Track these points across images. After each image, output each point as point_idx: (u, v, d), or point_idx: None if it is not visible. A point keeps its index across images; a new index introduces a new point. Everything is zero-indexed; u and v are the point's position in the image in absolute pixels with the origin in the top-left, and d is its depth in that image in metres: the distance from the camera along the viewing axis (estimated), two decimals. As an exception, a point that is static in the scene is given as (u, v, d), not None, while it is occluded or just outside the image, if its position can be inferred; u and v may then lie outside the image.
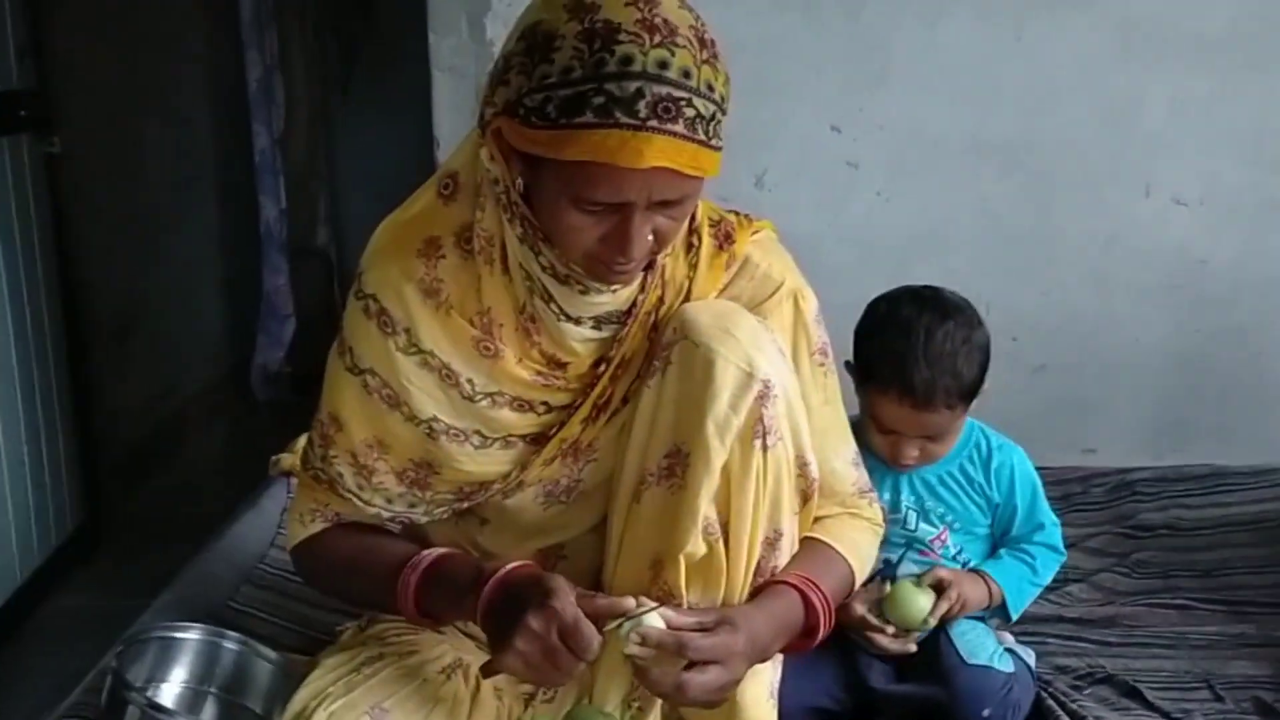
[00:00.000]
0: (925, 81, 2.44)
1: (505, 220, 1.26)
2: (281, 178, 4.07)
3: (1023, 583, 1.75)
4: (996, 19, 2.42)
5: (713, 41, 1.16)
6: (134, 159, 3.50)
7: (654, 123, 1.11)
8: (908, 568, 1.73)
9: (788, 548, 1.37)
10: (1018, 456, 1.79)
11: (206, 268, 4.13)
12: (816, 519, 1.43)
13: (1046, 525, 1.78)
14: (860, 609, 1.66)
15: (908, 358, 1.63)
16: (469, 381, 1.33)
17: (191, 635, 1.49)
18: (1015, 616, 1.75)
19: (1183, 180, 2.48)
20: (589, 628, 1.19)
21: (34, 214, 2.82)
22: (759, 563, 1.35)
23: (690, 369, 1.29)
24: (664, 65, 1.11)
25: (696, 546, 1.30)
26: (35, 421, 2.82)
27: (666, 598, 1.29)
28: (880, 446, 1.71)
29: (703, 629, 1.25)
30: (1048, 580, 1.79)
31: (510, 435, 1.36)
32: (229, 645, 1.49)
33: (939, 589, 1.68)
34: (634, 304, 1.33)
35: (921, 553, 1.75)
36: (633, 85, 1.10)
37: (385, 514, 1.42)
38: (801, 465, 1.36)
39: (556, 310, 1.30)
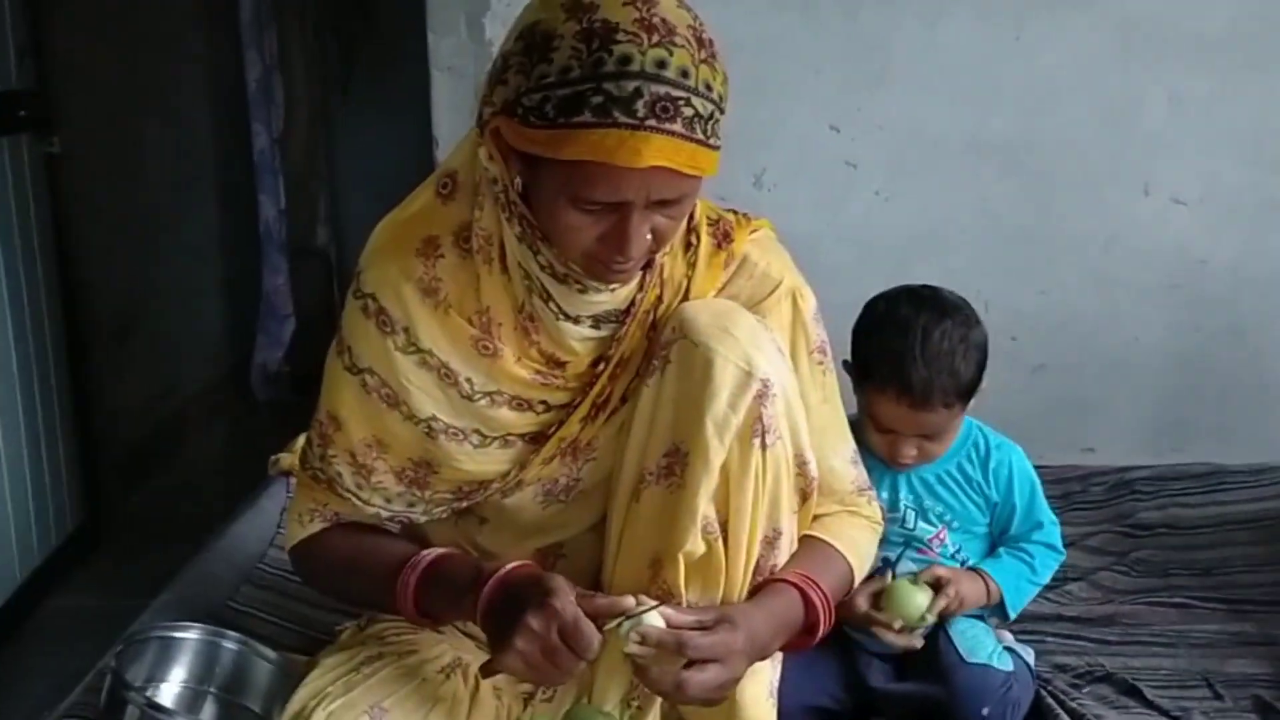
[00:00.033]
0: (924, 81, 2.44)
1: (504, 219, 1.26)
2: (281, 177, 4.07)
3: (1020, 581, 1.75)
4: (996, 19, 2.42)
5: (711, 41, 1.16)
6: (134, 159, 3.50)
7: (652, 122, 1.11)
8: (906, 566, 1.72)
9: (787, 546, 1.38)
10: (1016, 455, 1.79)
11: (206, 268, 4.13)
12: (815, 517, 1.43)
13: (1045, 524, 1.78)
14: (864, 605, 1.66)
15: (905, 357, 1.63)
16: (468, 380, 1.33)
17: (191, 635, 1.49)
18: (1013, 615, 1.75)
19: (1182, 180, 2.48)
20: (589, 627, 1.19)
21: (34, 214, 2.83)
22: (758, 561, 1.35)
23: (689, 368, 1.29)
24: (662, 65, 1.11)
25: (695, 545, 1.30)
26: (35, 421, 2.82)
27: (666, 596, 1.29)
28: (878, 445, 1.71)
29: (702, 628, 1.25)
30: (1046, 579, 1.79)
31: (509, 434, 1.36)
32: (228, 645, 1.49)
33: (936, 586, 1.68)
34: (632, 303, 1.33)
35: (920, 551, 1.75)
36: (631, 85, 1.10)
37: (384, 513, 1.42)
38: (800, 464, 1.36)
39: (555, 309, 1.30)
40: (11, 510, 2.69)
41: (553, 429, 1.36)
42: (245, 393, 4.17)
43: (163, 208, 3.68)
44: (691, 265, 1.36)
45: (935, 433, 1.69)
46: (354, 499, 1.40)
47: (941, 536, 1.76)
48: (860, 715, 1.70)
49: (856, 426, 1.60)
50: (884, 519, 1.56)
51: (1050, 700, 1.70)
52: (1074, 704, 1.69)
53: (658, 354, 1.32)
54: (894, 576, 1.69)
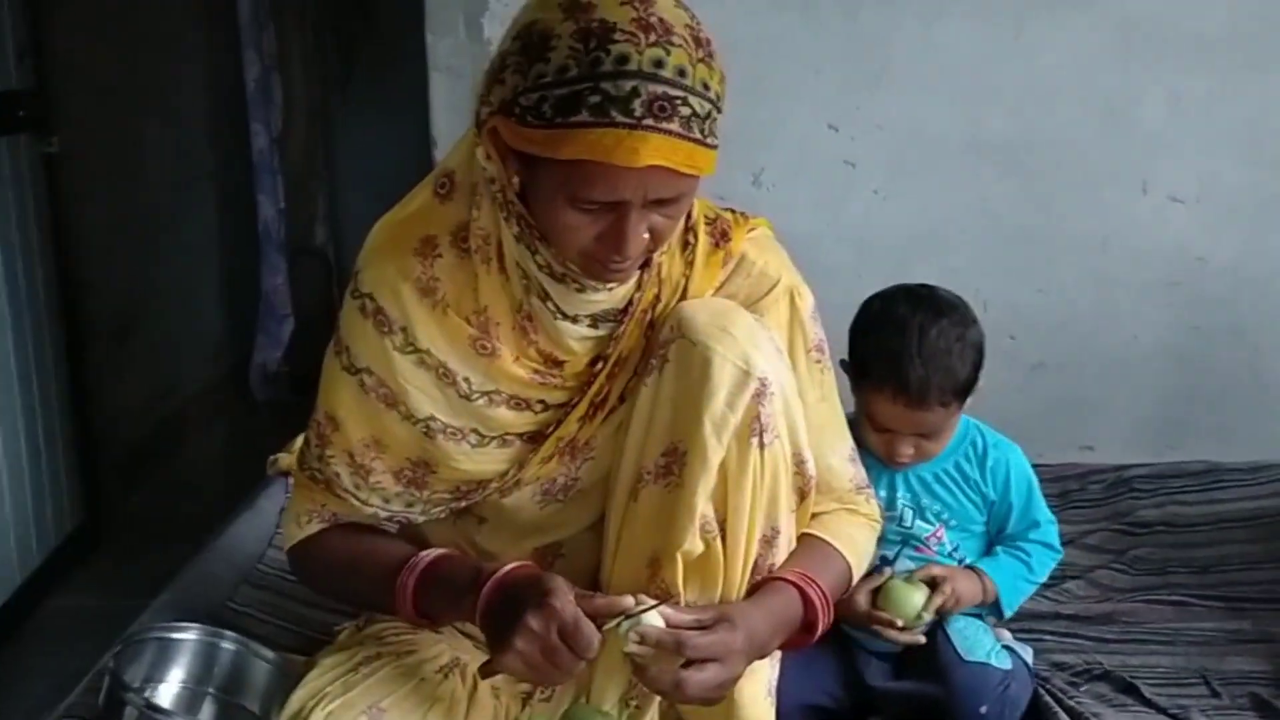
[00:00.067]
0: (923, 81, 2.44)
1: (502, 219, 1.26)
2: (280, 177, 4.06)
3: (1017, 579, 1.75)
4: (995, 18, 2.42)
5: (708, 40, 1.16)
6: (133, 159, 3.50)
7: (649, 121, 1.11)
8: (904, 565, 1.73)
9: (785, 545, 1.38)
10: (1013, 454, 1.79)
11: (205, 268, 4.13)
12: (814, 515, 1.44)
13: (1042, 523, 1.78)
14: (865, 603, 1.66)
15: (902, 356, 1.63)
16: (466, 380, 1.33)
17: (189, 635, 1.49)
18: (1009, 614, 1.75)
19: (1181, 179, 2.48)
20: (589, 626, 1.19)
21: (33, 214, 2.83)
22: (756, 560, 1.35)
23: (687, 367, 1.29)
24: (659, 64, 1.11)
25: (694, 544, 1.30)
26: (34, 421, 2.82)
27: (664, 596, 1.29)
28: (875, 444, 1.71)
29: (701, 627, 1.25)
30: (1043, 577, 1.79)
31: (507, 434, 1.36)
32: (227, 645, 1.49)
33: (932, 585, 1.68)
34: (630, 302, 1.33)
35: (917, 549, 1.75)
36: (628, 84, 1.10)
37: (382, 514, 1.42)
38: (798, 462, 1.36)
39: (553, 309, 1.30)
40: (11, 510, 2.69)
41: (551, 428, 1.36)
42: (245, 393, 4.17)
43: (162, 208, 3.68)
44: (689, 264, 1.36)
45: (932, 431, 1.70)
46: (352, 499, 1.40)
47: (939, 535, 1.76)
48: (858, 714, 1.71)
49: (854, 425, 1.60)
50: (882, 517, 1.56)
51: (1048, 698, 1.70)
52: (1072, 702, 1.69)
53: (656, 353, 1.32)
54: (891, 575, 1.69)
